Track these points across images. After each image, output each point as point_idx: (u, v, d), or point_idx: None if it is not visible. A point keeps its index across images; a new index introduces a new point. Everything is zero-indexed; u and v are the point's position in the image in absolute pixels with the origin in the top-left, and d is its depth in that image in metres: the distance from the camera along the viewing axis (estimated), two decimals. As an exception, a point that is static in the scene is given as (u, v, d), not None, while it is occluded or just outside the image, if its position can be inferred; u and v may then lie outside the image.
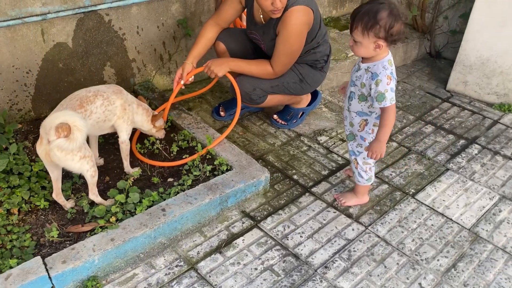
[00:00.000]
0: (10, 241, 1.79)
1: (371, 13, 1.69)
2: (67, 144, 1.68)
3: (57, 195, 1.93)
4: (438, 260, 1.94)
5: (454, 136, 2.78)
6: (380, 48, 1.76)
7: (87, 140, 2.16)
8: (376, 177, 2.41)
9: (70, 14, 2.41)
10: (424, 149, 2.65)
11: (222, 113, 2.81)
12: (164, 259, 1.89)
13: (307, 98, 2.80)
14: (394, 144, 2.68)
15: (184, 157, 2.30)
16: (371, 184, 2.18)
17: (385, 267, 1.90)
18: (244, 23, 3.01)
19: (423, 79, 3.47)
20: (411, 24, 3.88)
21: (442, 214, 2.18)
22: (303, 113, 2.81)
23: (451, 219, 2.16)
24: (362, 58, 1.87)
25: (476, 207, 2.23)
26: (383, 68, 1.79)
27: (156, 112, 2.23)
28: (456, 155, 2.61)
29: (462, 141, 2.74)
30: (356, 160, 2.08)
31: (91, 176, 1.88)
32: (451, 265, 1.92)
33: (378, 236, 2.04)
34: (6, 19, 2.23)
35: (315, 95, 2.86)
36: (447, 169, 2.49)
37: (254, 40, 2.56)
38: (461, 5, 3.53)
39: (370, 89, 1.82)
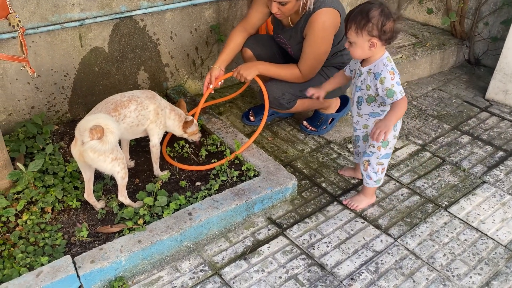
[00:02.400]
0: (43, 239, 1.86)
1: (363, 13, 1.77)
2: (100, 146, 1.73)
3: (89, 195, 1.99)
4: (470, 277, 1.86)
5: (492, 148, 2.67)
6: (374, 46, 1.81)
7: (119, 143, 2.21)
8: (407, 187, 2.34)
9: (107, 20, 2.48)
10: (460, 160, 2.56)
11: (252, 118, 2.82)
12: (189, 263, 1.91)
13: (336, 103, 2.77)
14: (428, 154, 2.60)
15: (212, 161, 2.32)
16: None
17: (414, 281, 1.84)
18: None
19: (460, 87, 3.35)
20: (449, 30, 3.77)
21: (477, 229, 2.09)
22: (333, 119, 2.78)
23: (486, 235, 2.06)
24: (361, 62, 1.93)
25: (514, 223, 2.13)
26: (383, 65, 1.84)
27: (189, 117, 2.25)
28: (494, 168, 2.50)
29: (500, 153, 2.62)
30: (368, 161, 2.07)
31: (122, 178, 1.92)
32: (484, 283, 1.84)
33: (408, 249, 1.98)
34: (46, 24, 2.32)
35: (345, 101, 2.82)
36: (484, 182, 2.39)
37: (281, 44, 2.55)
38: (502, 11, 3.40)
39: (377, 89, 1.86)
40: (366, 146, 2.07)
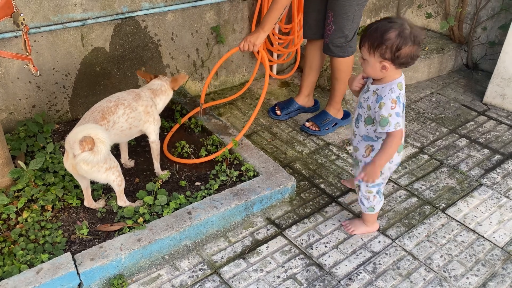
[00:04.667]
0: (43, 236, 1.87)
1: (379, 32, 1.63)
2: (92, 157, 1.71)
3: (89, 202, 2.00)
4: (467, 278, 1.88)
5: (490, 151, 2.69)
6: (386, 69, 1.67)
7: (117, 145, 2.22)
8: (405, 189, 2.36)
9: (109, 20, 2.50)
10: (457, 163, 2.58)
11: (278, 112, 2.92)
12: (188, 262, 1.92)
13: (342, 110, 2.87)
14: (426, 157, 2.62)
15: (214, 152, 2.34)
16: (377, 213, 2.03)
17: (411, 282, 1.85)
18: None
19: (458, 91, 3.38)
20: (448, 34, 3.80)
21: (474, 231, 2.11)
22: (336, 124, 2.82)
23: (483, 236, 2.08)
24: (373, 79, 1.79)
25: (510, 225, 2.15)
26: (389, 91, 1.69)
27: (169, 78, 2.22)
28: (491, 170, 2.52)
29: (497, 156, 2.65)
30: (359, 186, 1.97)
31: (118, 185, 1.93)
32: (481, 284, 1.86)
33: (405, 250, 2.00)
34: (49, 24, 2.34)
35: (347, 113, 2.92)
36: (481, 185, 2.41)
37: None
38: (500, 16, 3.43)
39: (375, 112, 1.74)
40: (356, 171, 1.97)
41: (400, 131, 1.70)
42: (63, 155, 2.27)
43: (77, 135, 1.68)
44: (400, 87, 1.71)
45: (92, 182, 2.02)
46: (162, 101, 2.18)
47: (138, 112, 2.02)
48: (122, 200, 1.99)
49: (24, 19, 1.66)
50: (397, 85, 1.71)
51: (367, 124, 1.82)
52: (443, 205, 2.27)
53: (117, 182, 1.91)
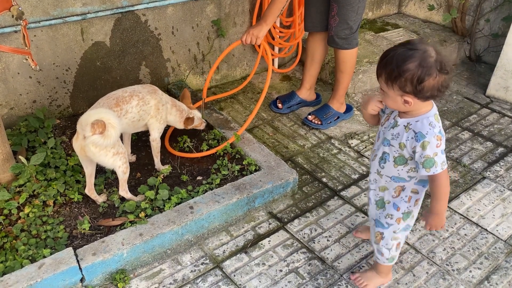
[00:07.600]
0: (45, 231, 1.86)
1: (397, 62, 1.36)
2: (101, 141, 1.73)
3: (90, 190, 1.99)
4: (470, 271, 1.87)
5: (493, 144, 2.68)
6: (409, 104, 1.40)
7: (121, 137, 2.22)
8: (407, 183, 2.34)
9: (109, 14, 2.48)
10: (460, 156, 2.57)
11: (279, 105, 2.91)
12: (190, 256, 1.92)
13: (344, 105, 2.85)
14: (428, 150, 2.61)
15: (215, 146, 2.34)
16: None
17: (414, 275, 1.85)
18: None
19: (461, 84, 3.36)
20: (450, 27, 3.77)
21: (477, 224, 2.10)
22: (338, 117, 2.80)
23: (486, 230, 2.07)
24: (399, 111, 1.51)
25: (514, 218, 2.14)
26: (429, 126, 1.42)
27: (191, 113, 2.26)
28: (494, 163, 2.51)
29: (501, 149, 2.63)
30: (382, 234, 1.67)
31: (123, 173, 1.93)
32: (484, 277, 1.85)
33: (408, 244, 1.99)
34: (48, 18, 2.32)
35: (349, 107, 2.91)
36: (484, 178, 2.40)
37: None
38: (504, 8, 3.40)
39: (414, 152, 1.45)
40: (381, 215, 1.66)
41: (446, 170, 1.46)
42: (64, 150, 2.28)
43: (90, 118, 1.71)
44: (438, 120, 1.45)
45: (95, 176, 2.02)
46: (173, 116, 2.20)
47: (149, 105, 2.05)
48: (124, 190, 1.99)
49: (22, 13, 1.65)
50: (434, 117, 1.45)
51: (397, 164, 1.53)
52: (446, 198, 2.25)
53: (122, 169, 1.92)
